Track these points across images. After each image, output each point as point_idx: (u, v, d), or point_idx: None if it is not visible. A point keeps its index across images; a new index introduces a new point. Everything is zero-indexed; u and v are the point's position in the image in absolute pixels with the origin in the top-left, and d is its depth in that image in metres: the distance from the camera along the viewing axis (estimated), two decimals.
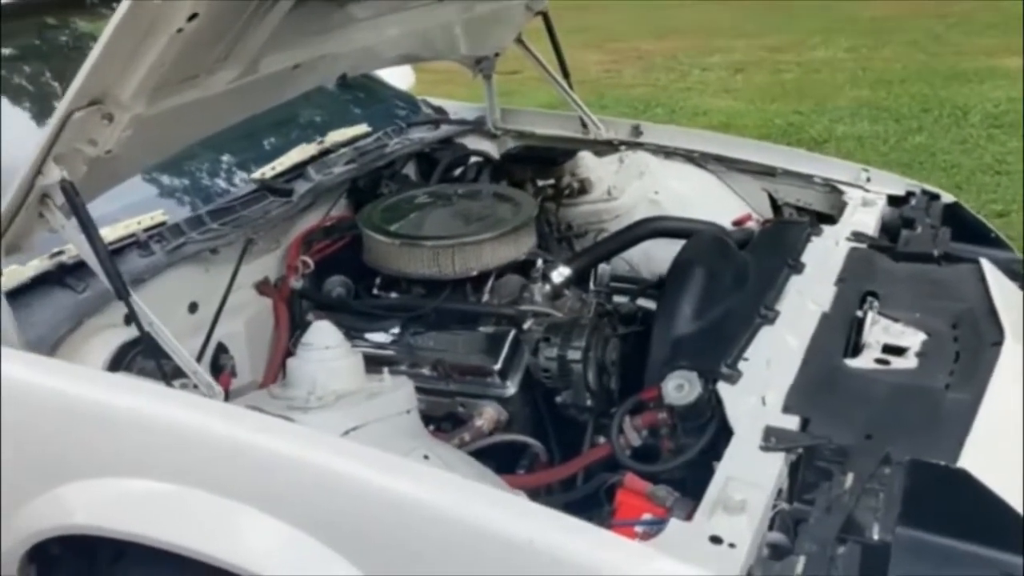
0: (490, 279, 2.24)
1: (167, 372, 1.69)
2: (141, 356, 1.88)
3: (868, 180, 2.75)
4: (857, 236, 2.42)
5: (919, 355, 1.95)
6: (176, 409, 1.52)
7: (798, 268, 2.18)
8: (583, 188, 2.81)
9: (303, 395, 1.69)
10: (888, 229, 2.61)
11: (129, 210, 2.18)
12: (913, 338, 2.01)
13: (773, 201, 2.93)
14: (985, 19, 9.09)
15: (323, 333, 1.81)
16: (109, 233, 2.08)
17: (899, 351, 1.97)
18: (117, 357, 1.87)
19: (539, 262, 2.33)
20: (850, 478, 1.51)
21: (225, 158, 2.55)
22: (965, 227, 2.67)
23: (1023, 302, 2.26)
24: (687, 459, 1.71)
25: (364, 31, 2.26)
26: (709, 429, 1.72)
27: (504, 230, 2.22)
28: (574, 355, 2.02)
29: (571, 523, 1.33)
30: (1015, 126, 5.92)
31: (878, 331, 2.03)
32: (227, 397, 2.04)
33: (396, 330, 2.19)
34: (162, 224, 2.16)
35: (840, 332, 1.99)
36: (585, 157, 2.88)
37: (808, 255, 2.28)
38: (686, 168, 2.97)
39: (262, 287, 2.30)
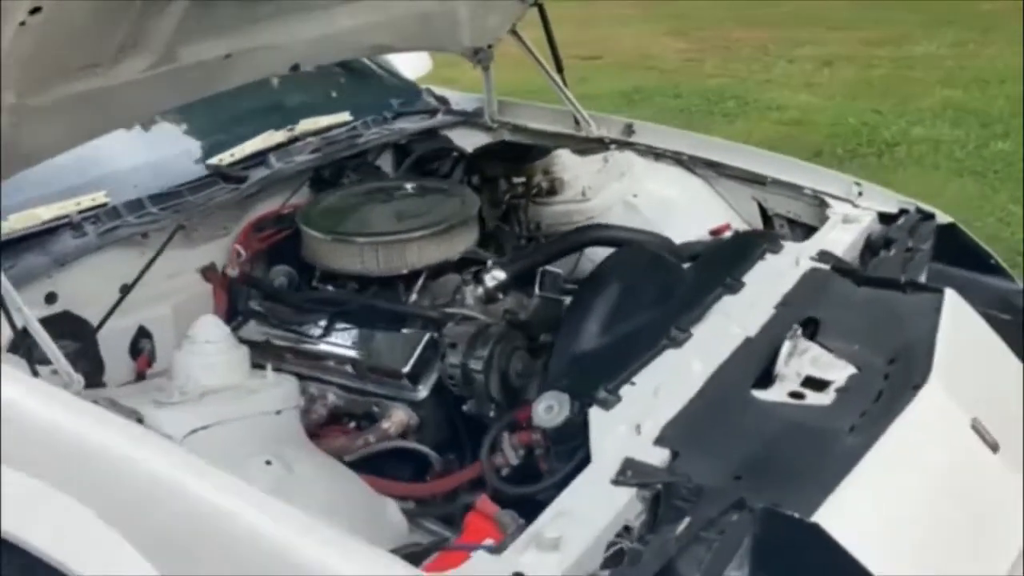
0: (419, 279, 2.21)
1: (36, 360, 1.71)
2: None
3: (860, 195, 2.59)
4: (823, 256, 2.27)
5: (840, 391, 1.82)
6: (18, 394, 1.54)
7: (734, 288, 2.06)
8: (553, 188, 2.74)
9: (170, 389, 1.70)
10: (873, 249, 2.45)
11: (75, 191, 2.24)
12: (840, 372, 1.88)
13: (763, 211, 2.79)
14: None
15: (207, 327, 1.82)
16: (44, 213, 2.14)
17: (820, 385, 1.85)
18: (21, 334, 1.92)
19: (492, 263, 2.28)
20: (685, 522, 1.42)
21: (193, 142, 2.59)
22: (965, 252, 2.49)
23: (989, 339, 2.09)
24: (547, 485, 1.64)
25: (313, 21, 2.25)
26: (579, 454, 1.65)
27: (434, 229, 2.18)
28: (475, 364, 1.97)
29: (332, 538, 1.30)
30: None
31: (804, 362, 1.91)
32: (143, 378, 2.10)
33: (324, 325, 2.18)
34: (102, 206, 2.21)
35: (757, 360, 1.88)
36: (561, 155, 2.80)
37: (755, 274, 2.15)
38: (673, 171, 2.85)
39: (207, 272, 2.33)
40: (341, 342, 2.14)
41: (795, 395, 1.82)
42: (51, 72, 1.67)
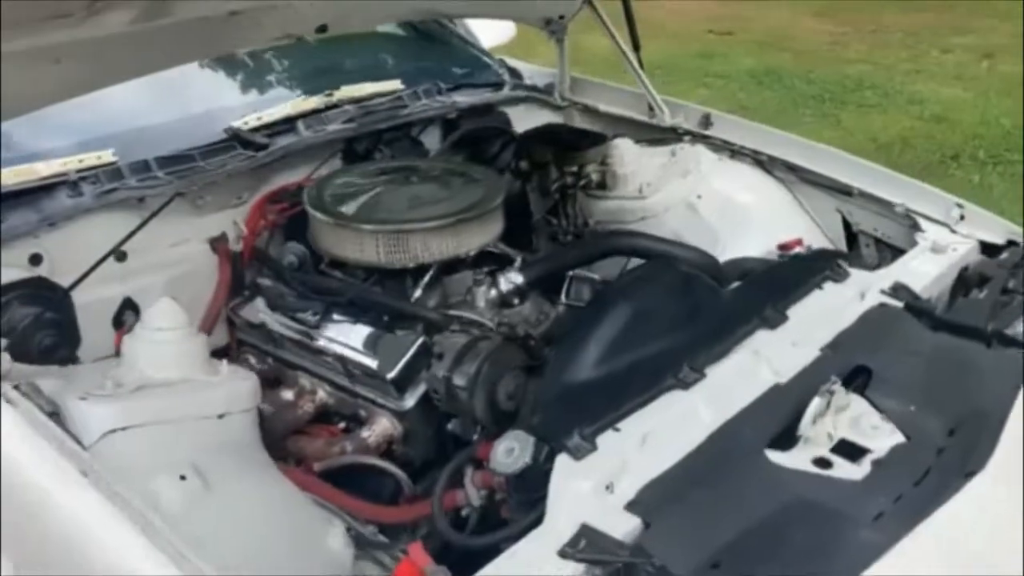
0: (427, 274, 1.99)
1: None
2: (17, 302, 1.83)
3: (961, 219, 2.20)
4: (897, 290, 1.93)
5: (877, 464, 1.51)
6: None
7: (774, 321, 1.75)
8: (605, 180, 2.46)
9: (109, 378, 1.54)
10: (967, 286, 2.08)
11: (84, 147, 2.13)
12: (884, 439, 1.56)
13: (847, 225, 2.44)
14: None
15: (161, 313, 1.65)
16: (43, 168, 2.03)
17: (855, 452, 1.54)
18: None
19: (518, 260, 2.04)
20: None
21: (223, 102, 2.44)
22: None
23: None
24: (495, 540, 1.40)
25: None
26: (539, 508, 1.40)
27: (441, 222, 1.95)
28: (460, 380, 1.74)
29: None
30: None
31: (842, 421, 1.59)
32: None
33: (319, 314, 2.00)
34: (108, 165, 2.09)
35: (782, 414, 1.58)
36: (620, 145, 2.52)
37: (805, 305, 1.84)
38: (749, 172, 2.53)
39: (215, 243, 2.18)
40: (334, 336, 1.95)
41: (820, 462, 1.51)
42: (18, 19, 1.52)
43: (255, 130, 2.29)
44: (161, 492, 1.37)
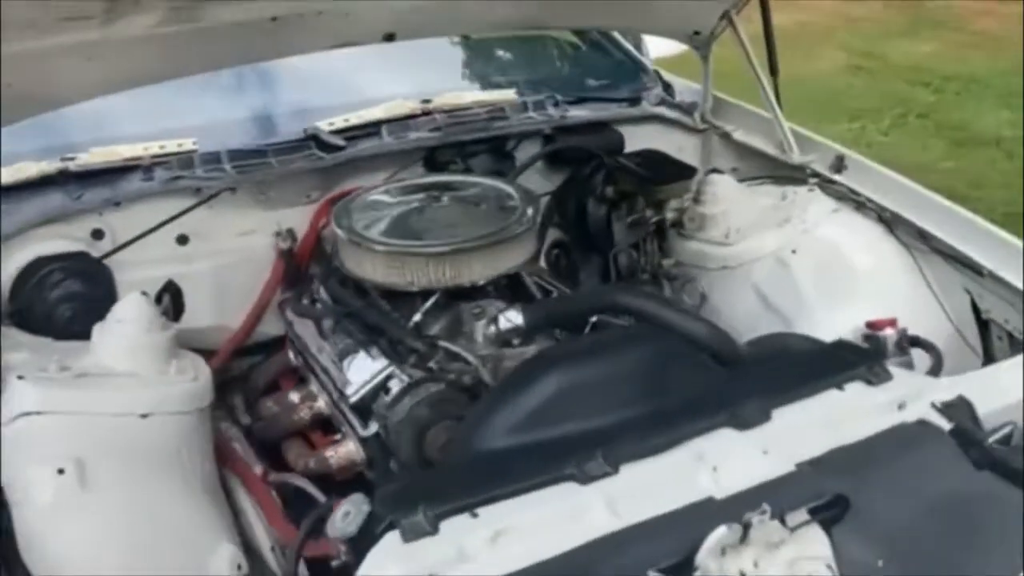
0: (428, 300, 1.90)
1: None
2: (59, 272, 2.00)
3: None
4: (952, 407, 1.54)
5: None
6: None
7: (747, 420, 1.47)
8: (681, 220, 2.20)
9: (60, 361, 1.63)
10: None
11: (172, 134, 2.27)
12: None
13: (976, 310, 2.00)
14: None
15: (126, 305, 1.72)
16: (125, 151, 2.20)
17: None
18: (30, 267, 1.99)
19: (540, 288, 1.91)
20: None
21: (326, 99, 2.48)
22: None
23: None
24: None
25: None
26: None
27: (439, 249, 1.85)
28: (393, 418, 1.65)
29: None
30: None
31: (775, 559, 1.31)
32: None
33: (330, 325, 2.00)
34: (188, 152, 2.21)
35: (697, 536, 1.32)
36: (716, 182, 2.24)
37: (804, 408, 1.52)
38: (868, 229, 2.15)
39: (278, 237, 2.24)
40: (331, 348, 1.94)
41: None
42: (35, 18, 1.63)
43: (339, 131, 2.31)
44: (34, 482, 1.43)
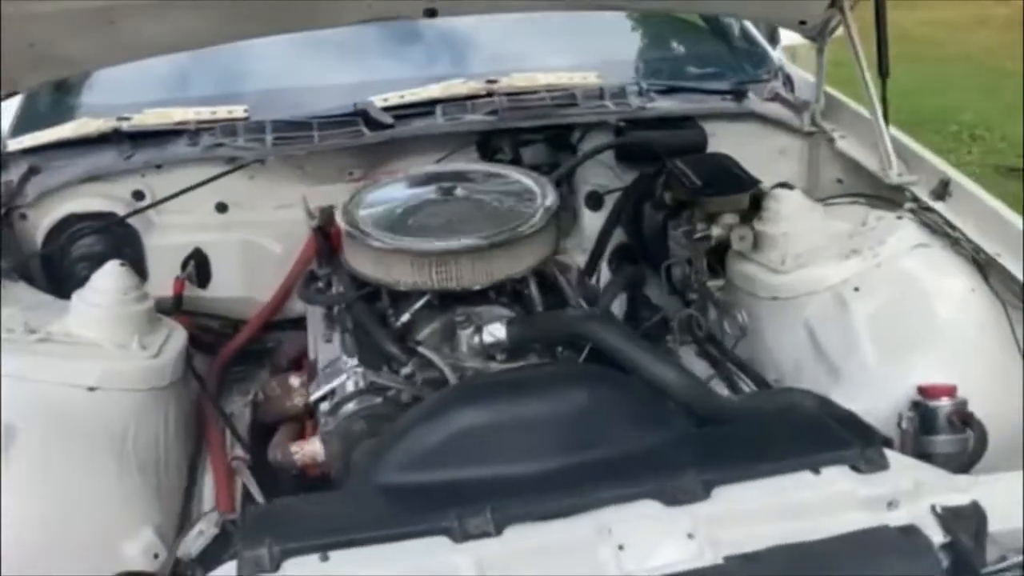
0: (411, 301, 1.77)
1: None
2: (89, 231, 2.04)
3: None
4: (952, 517, 1.24)
5: None
6: None
7: (680, 495, 1.23)
8: (727, 238, 1.92)
9: (24, 325, 1.64)
10: None
11: (231, 99, 2.26)
12: None
13: None
14: None
15: (102, 275, 1.70)
16: (177, 114, 2.21)
17: None
18: (62, 223, 2.04)
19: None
20: None
21: (392, 72, 2.38)
22: None
23: None
24: None
25: None
26: None
27: (423, 249, 1.70)
28: (328, 426, 1.55)
29: None
30: None
31: None
32: (178, 301, 2.10)
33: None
34: (234, 120, 2.19)
35: None
36: (781, 198, 1.93)
37: (763, 488, 1.26)
38: (957, 271, 1.79)
39: (311, 212, 2.17)
40: (324, 339, 1.86)
41: None
42: None
43: (391, 108, 2.21)
44: None
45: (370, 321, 1.76)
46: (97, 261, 1.97)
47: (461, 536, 1.20)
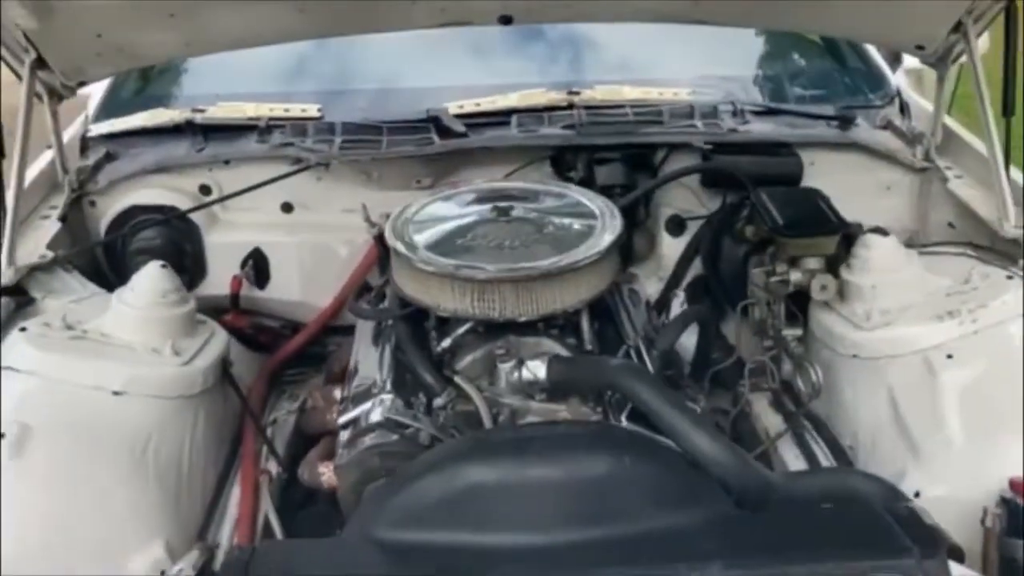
0: (455, 326, 1.66)
1: None
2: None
3: None
4: None
5: None
6: None
7: None
8: (807, 285, 1.73)
9: (62, 320, 1.62)
10: None
11: (311, 97, 2.21)
12: None
13: None
14: None
15: (140, 276, 1.66)
16: (250, 109, 2.17)
17: None
18: (124, 214, 2.03)
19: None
20: None
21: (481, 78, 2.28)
22: None
23: None
24: None
25: None
26: None
27: (466, 275, 1.59)
28: (342, 459, 1.47)
29: None
30: None
31: None
32: (235, 300, 2.06)
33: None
34: (305, 120, 2.14)
35: None
36: (874, 245, 1.73)
37: None
38: None
39: (370, 218, 2.09)
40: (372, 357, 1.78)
41: None
42: None
43: (465, 115, 2.11)
44: None
45: (410, 344, 1.67)
46: (155, 255, 1.96)
47: None
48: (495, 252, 1.65)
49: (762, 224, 1.83)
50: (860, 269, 1.73)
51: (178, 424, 1.62)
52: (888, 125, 2.19)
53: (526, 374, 1.57)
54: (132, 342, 1.63)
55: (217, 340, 1.75)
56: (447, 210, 1.80)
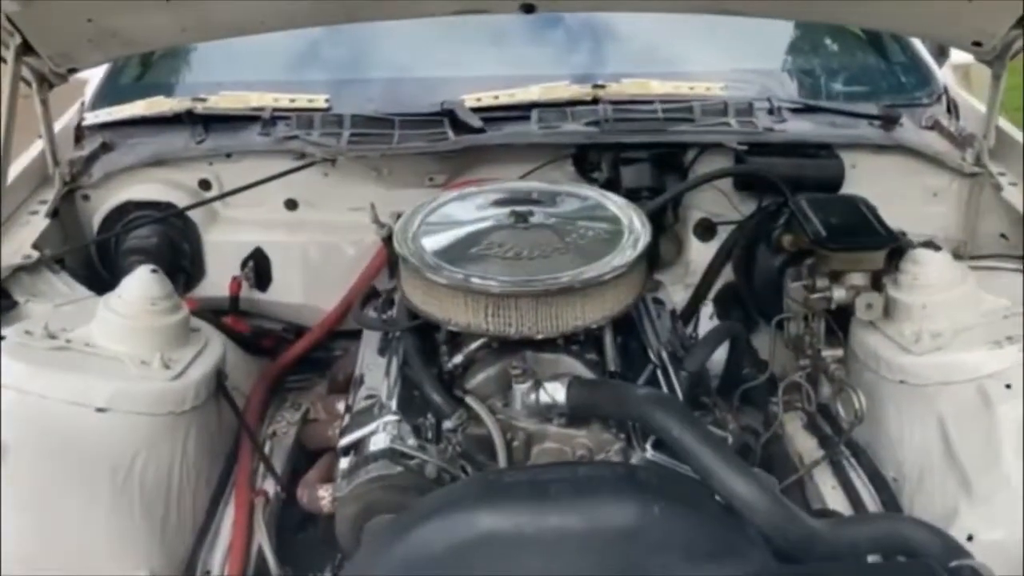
0: (467, 341, 1.54)
1: None
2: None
3: None
4: None
5: None
6: None
7: None
8: (850, 303, 1.59)
9: (45, 328, 1.50)
10: None
11: (315, 86, 2.08)
12: None
13: None
14: None
15: (130, 282, 1.54)
16: (254, 99, 2.05)
17: None
18: (118, 210, 1.91)
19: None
20: None
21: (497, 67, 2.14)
22: None
23: None
24: None
25: None
26: None
27: (479, 288, 1.46)
28: (341, 490, 1.35)
29: None
30: None
31: None
32: (235, 303, 1.95)
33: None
34: (312, 111, 2.01)
35: None
36: (924, 261, 1.59)
37: None
38: None
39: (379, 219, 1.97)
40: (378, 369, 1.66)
41: None
42: None
43: (482, 109, 1.98)
44: None
45: (418, 360, 1.54)
46: (149, 255, 1.85)
47: None
48: (512, 262, 1.52)
49: (802, 234, 1.69)
50: (909, 286, 1.59)
51: (167, 443, 1.50)
52: (935, 125, 2.05)
53: (543, 397, 1.44)
54: (119, 353, 1.51)
55: (211, 351, 1.62)
56: (461, 213, 1.66)
